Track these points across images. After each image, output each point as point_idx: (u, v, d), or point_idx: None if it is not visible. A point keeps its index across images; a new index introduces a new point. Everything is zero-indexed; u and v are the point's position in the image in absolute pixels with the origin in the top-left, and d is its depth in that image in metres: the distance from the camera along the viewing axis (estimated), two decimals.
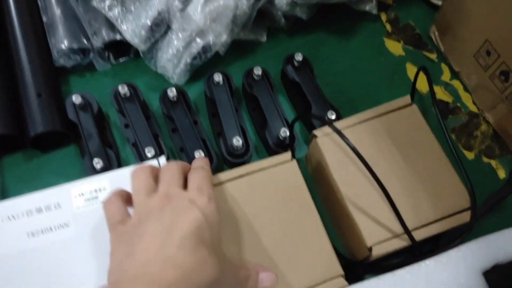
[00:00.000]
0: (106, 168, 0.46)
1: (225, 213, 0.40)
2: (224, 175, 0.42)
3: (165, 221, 0.31)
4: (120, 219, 0.34)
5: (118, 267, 0.31)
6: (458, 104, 0.55)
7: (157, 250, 0.29)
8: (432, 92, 0.46)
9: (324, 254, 0.39)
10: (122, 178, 0.41)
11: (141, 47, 0.50)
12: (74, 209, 0.40)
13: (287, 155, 0.43)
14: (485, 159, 0.52)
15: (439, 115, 0.44)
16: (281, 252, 0.39)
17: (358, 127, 0.45)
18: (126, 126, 0.50)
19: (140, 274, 0.29)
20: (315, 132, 0.45)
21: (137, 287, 0.28)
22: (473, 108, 0.55)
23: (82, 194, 0.40)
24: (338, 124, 0.45)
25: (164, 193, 0.34)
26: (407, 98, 0.47)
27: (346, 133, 0.42)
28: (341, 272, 0.38)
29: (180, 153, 0.49)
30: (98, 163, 0.45)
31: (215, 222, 0.33)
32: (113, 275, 0.31)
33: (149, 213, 0.33)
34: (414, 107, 0.46)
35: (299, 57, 0.52)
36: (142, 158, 0.47)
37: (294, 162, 0.43)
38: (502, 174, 0.51)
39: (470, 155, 0.52)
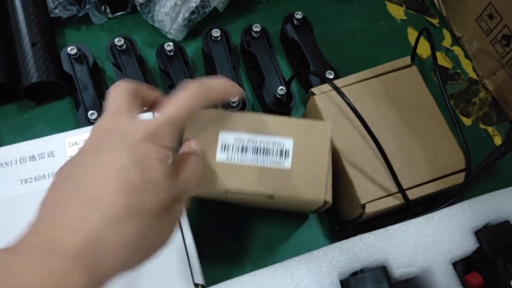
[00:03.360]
0: None
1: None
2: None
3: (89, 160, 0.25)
4: (107, 127, 0.27)
5: (48, 203, 0.25)
6: (458, 71, 0.55)
7: (84, 214, 0.23)
8: (433, 53, 0.45)
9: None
10: None
11: None
12: (67, 158, 0.39)
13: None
14: (482, 126, 0.52)
15: (439, 76, 0.44)
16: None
17: (357, 86, 0.45)
18: None
19: (46, 240, 0.23)
20: (313, 89, 0.44)
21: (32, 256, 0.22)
22: (472, 74, 0.54)
23: (76, 143, 0.40)
24: (337, 83, 0.44)
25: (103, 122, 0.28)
26: (407, 59, 0.46)
27: (344, 91, 0.41)
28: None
29: None
30: (93, 114, 0.45)
31: (155, 171, 0.26)
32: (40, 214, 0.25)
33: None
34: (414, 68, 0.46)
35: (299, 15, 0.51)
36: None
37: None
38: (498, 141, 0.51)
39: (467, 121, 0.52)
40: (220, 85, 0.32)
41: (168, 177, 0.26)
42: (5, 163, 0.39)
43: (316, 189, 0.35)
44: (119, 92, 0.29)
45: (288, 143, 0.36)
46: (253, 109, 0.51)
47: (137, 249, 0.25)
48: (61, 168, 0.27)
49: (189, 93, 0.29)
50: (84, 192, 0.24)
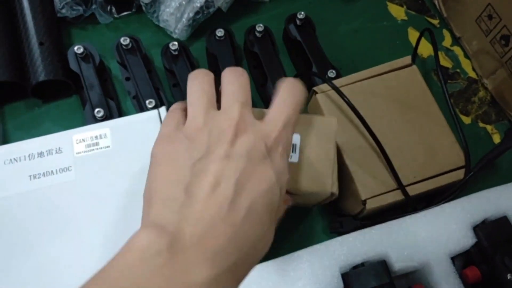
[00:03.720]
0: (107, 117, 0.46)
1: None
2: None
3: (237, 167, 0.25)
4: (176, 127, 0.28)
5: (167, 196, 0.25)
6: (458, 70, 0.56)
7: (219, 211, 0.24)
8: (436, 53, 0.46)
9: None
10: (124, 126, 0.41)
11: None
12: (75, 154, 0.40)
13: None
14: (481, 124, 0.53)
15: (441, 76, 0.45)
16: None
17: (358, 85, 0.46)
18: (127, 79, 0.51)
19: (194, 236, 0.23)
20: (315, 88, 0.45)
21: (193, 256, 0.22)
22: (472, 74, 0.55)
23: (83, 140, 0.41)
24: (338, 82, 0.45)
25: (236, 114, 0.27)
26: (407, 59, 0.47)
27: (345, 90, 0.42)
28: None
29: None
30: (99, 112, 0.46)
31: (284, 183, 0.27)
32: (158, 205, 0.25)
33: (219, 134, 0.26)
34: (414, 67, 0.47)
35: (301, 15, 0.52)
36: (142, 109, 0.47)
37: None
38: (497, 139, 0.52)
39: (466, 120, 0.53)
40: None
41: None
42: (14, 159, 0.40)
43: (324, 182, 0.36)
44: (241, 80, 0.29)
45: (295, 138, 0.37)
46: (257, 107, 0.52)
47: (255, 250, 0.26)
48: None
49: (297, 91, 0.30)
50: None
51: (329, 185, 0.36)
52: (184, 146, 0.27)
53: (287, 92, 0.29)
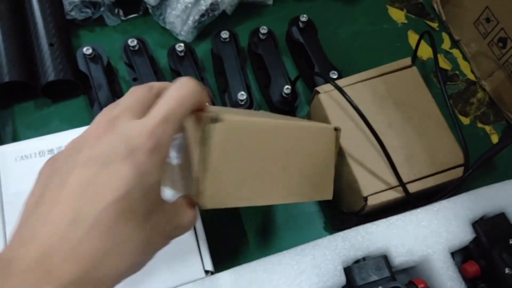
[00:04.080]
0: None
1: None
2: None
3: (88, 173, 0.23)
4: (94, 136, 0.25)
5: (23, 225, 0.23)
6: (457, 72, 0.57)
7: (65, 230, 0.22)
8: (435, 55, 0.47)
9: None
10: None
11: (151, 1, 0.51)
12: None
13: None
14: (480, 125, 0.54)
15: (440, 77, 0.46)
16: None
17: (359, 85, 0.47)
18: (135, 79, 0.52)
19: (37, 262, 0.21)
20: (318, 88, 0.46)
21: (27, 281, 0.20)
22: (470, 76, 0.57)
23: None
24: (340, 82, 0.46)
25: (102, 118, 0.25)
26: (407, 60, 0.48)
27: (347, 90, 0.43)
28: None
29: None
30: None
31: (153, 184, 0.24)
32: (17, 234, 0.23)
33: (83, 143, 0.25)
34: (414, 68, 0.48)
35: (304, 18, 0.53)
36: None
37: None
38: (495, 139, 0.53)
39: (465, 121, 0.54)
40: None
41: (156, 205, 0.25)
42: (25, 156, 0.41)
43: (324, 190, 0.37)
44: (139, 93, 0.27)
45: (180, 138, 0.34)
46: (260, 108, 0.53)
47: (135, 256, 0.24)
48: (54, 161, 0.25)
49: (188, 86, 0.27)
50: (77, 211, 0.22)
51: (330, 194, 0.38)
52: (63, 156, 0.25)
53: (174, 87, 0.27)
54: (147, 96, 0.27)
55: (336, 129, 0.39)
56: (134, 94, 0.27)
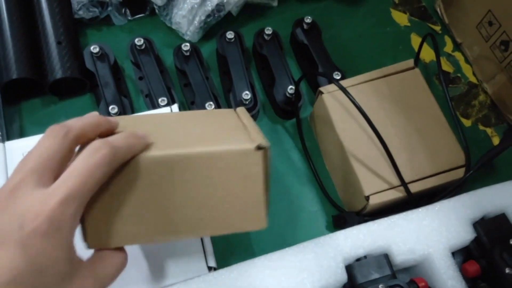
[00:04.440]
0: (121, 114, 0.48)
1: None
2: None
3: None
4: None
5: None
6: (459, 75, 0.57)
7: None
8: (437, 57, 0.48)
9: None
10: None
11: (158, 1, 0.52)
12: None
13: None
14: (481, 127, 0.54)
15: (442, 79, 0.47)
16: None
17: (362, 86, 0.47)
18: (141, 78, 0.53)
19: None
20: (321, 89, 0.47)
21: None
22: (472, 79, 0.57)
23: None
24: (343, 83, 0.47)
25: (11, 187, 0.24)
26: (410, 62, 0.49)
27: (350, 91, 0.44)
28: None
29: (191, 106, 0.52)
30: (113, 109, 0.48)
31: (52, 264, 0.23)
32: None
33: None
34: (417, 70, 0.48)
35: (308, 20, 0.54)
36: (155, 107, 0.49)
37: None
38: (496, 141, 0.53)
39: (467, 123, 0.55)
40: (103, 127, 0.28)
41: (68, 275, 0.24)
42: None
43: (255, 219, 0.33)
44: (46, 144, 0.25)
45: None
46: (264, 108, 0.54)
47: None
48: None
49: (94, 156, 0.25)
50: None
51: (262, 222, 0.33)
52: None
53: (82, 156, 0.25)
54: (60, 148, 0.25)
55: (260, 148, 0.31)
56: (47, 143, 0.25)
